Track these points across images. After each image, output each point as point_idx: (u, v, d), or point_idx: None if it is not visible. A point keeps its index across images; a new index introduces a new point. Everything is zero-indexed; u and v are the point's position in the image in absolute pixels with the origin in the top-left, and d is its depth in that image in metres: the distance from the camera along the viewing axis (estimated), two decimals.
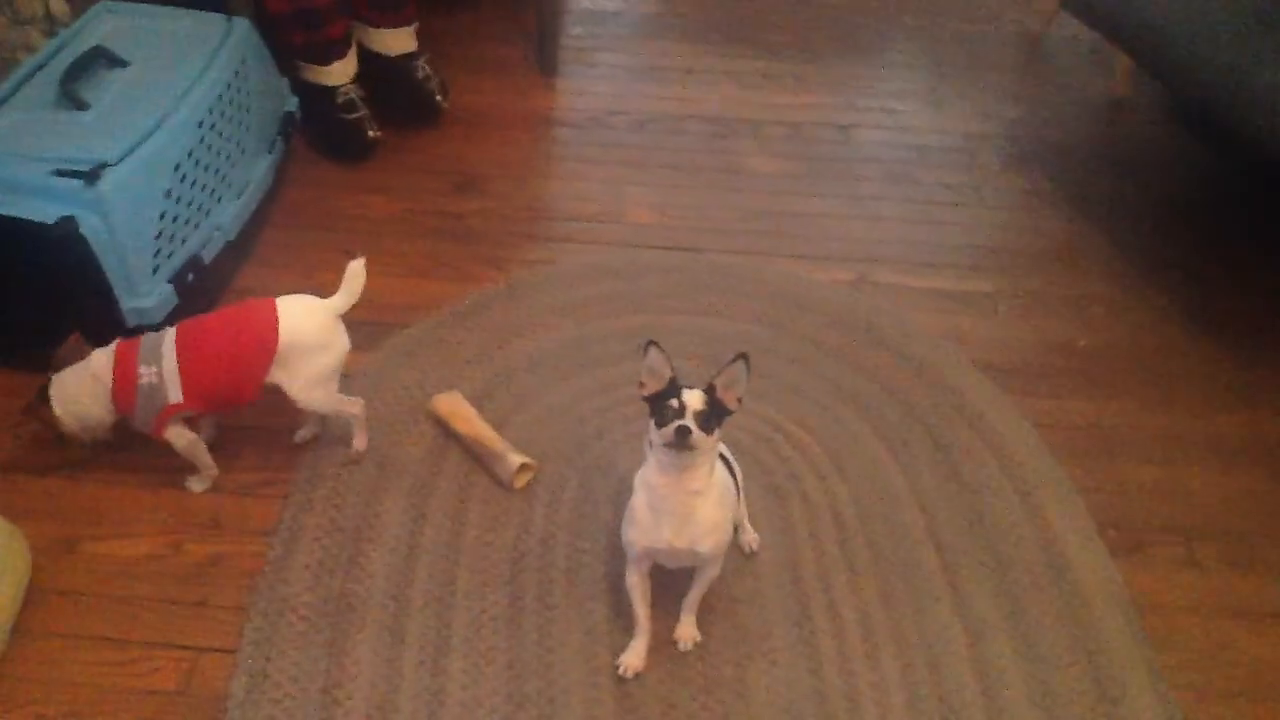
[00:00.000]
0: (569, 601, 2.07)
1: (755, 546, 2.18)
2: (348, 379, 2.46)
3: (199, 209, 2.54)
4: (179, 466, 2.24)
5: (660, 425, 1.71)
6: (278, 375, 2.12)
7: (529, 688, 1.92)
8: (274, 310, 2.10)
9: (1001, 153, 3.44)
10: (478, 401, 2.44)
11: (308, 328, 2.13)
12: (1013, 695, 1.96)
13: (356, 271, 2.16)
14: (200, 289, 2.53)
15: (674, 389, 1.73)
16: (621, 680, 1.94)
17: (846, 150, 3.46)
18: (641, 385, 1.78)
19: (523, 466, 2.28)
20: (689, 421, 1.69)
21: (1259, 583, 2.18)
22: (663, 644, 2.00)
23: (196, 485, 2.25)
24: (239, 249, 2.75)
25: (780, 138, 3.49)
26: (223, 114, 2.61)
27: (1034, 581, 2.16)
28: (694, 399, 1.72)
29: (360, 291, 2.17)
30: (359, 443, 2.32)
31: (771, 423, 2.46)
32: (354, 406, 2.29)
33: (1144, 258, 3.01)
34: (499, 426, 2.38)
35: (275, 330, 2.08)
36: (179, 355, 2.07)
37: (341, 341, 2.18)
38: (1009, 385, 2.57)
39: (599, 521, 2.21)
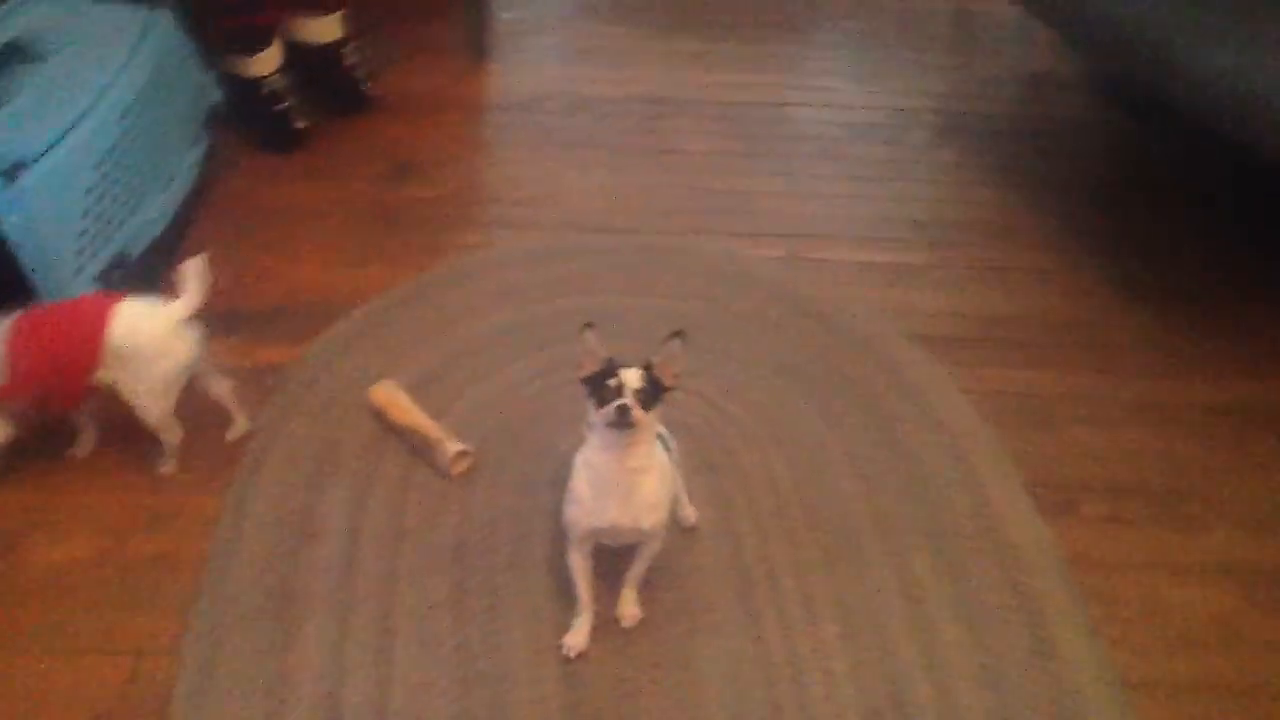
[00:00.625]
0: (513, 585, 2.08)
1: (694, 521, 2.21)
2: (279, 370, 2.46)
3: (124, 204, 2.51)
4: (121, 465, 2.23)
5: (600, 405, 1.73)
6: (113, 377, 2.09)
7: (476, 670, 1.93)
8: (108, 311, 2.07)
9: (930, 127, 3.49)
10: (416, 389, 2.44)
11: (143, 332, 2.08)
12: (950, 654, 2.00)
13: (196, 271, 2.10)
14: (129, 285, 2.49)
15: (611, 369, 1.75)
16: (568, 660, 1.96)
17: (781, 128, 3.50)
18: (579, 367, 1.80)
19: (460, 453, 2.28)
20: (628, 400, 1.71)
21: (1185, 538, 2.25)
22: (607, 621, 2.02)
23: None
24: (170, 244, 2.72)
25: (715, 117, 3.52)
26: (145, 107, 2.58)
27: (970, 544, 2.20)
28: (632, 378, 1.74)
29: (204, 292, 2.11)
30: (239, 424, 2.33)
31: (708, 399, 2.48)
32: (174, 437, 2.23)
33: (1072, 227, 3.07)
34: (438, 414, 2.38)
35: (103, 331, 2.05)
36: (10, 342, 2.04)
37: (184, 349, 2.13)
38: (942, 354, 2.62)
39: (540, 504, 2.22)
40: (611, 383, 1.73)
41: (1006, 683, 1.96)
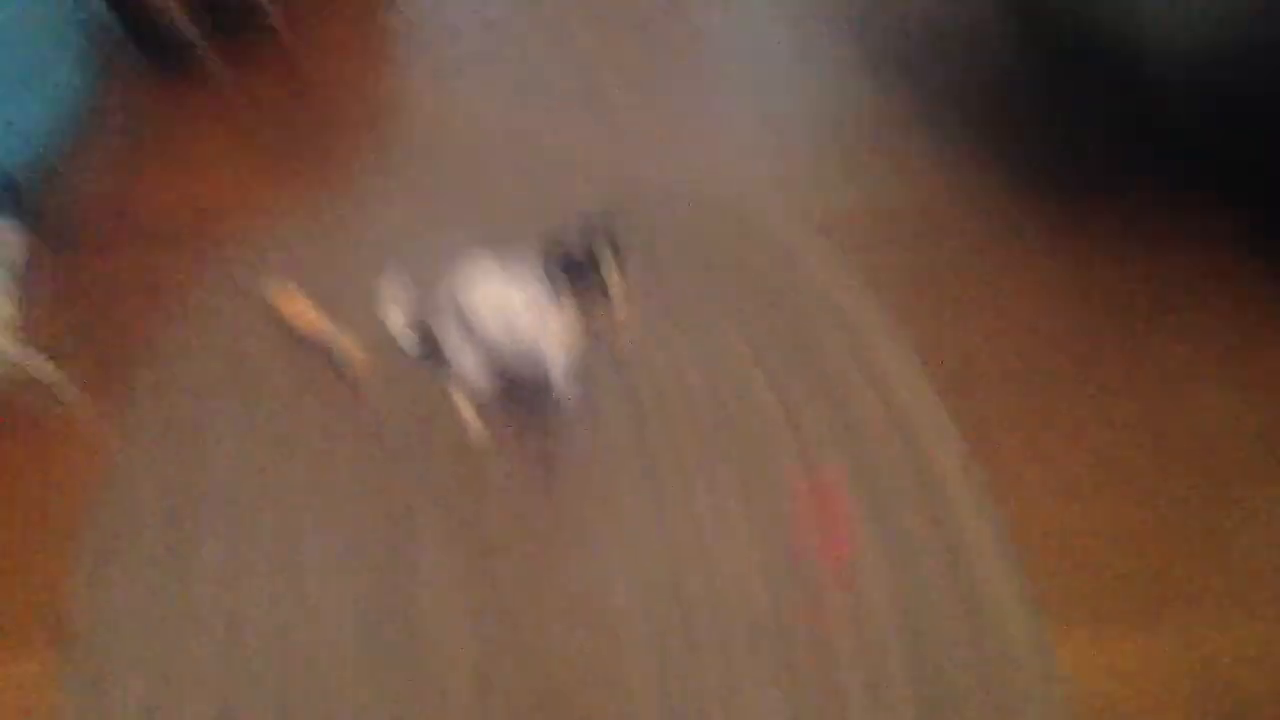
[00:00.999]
0: (418, 475, 2.07)
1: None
2: (177, 286, 2.40)
3: None
4: None
5: None
6: None
7: (383, 565, 1.93)
8: None
9: (835, 26, 3.47)
10: (320, 300, 2.40)
11: None
12: (855, 524, 2.04)
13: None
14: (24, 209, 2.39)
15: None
16: (478, 544, 1.95)
17: (700, 57, 3.45)
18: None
19: (364, 358, 2.25)
20: None
21: (1065, 408, 2.31)
22: (517, 507, 2.02)
23: None
24: (58, 162, 2.62)
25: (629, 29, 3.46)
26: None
27: (872, 429, 2.23)
28: None
29: None
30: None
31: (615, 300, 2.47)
32: None
33: (968, 120, 3.08)
34: (342, 323, 2.34)
35: None
36: None
37: None
38: (846, 247, 2.63)
39: (443, 403, 2.20)
40: None
41: (911, 556, 2.01)
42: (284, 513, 2.00)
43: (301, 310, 2.35)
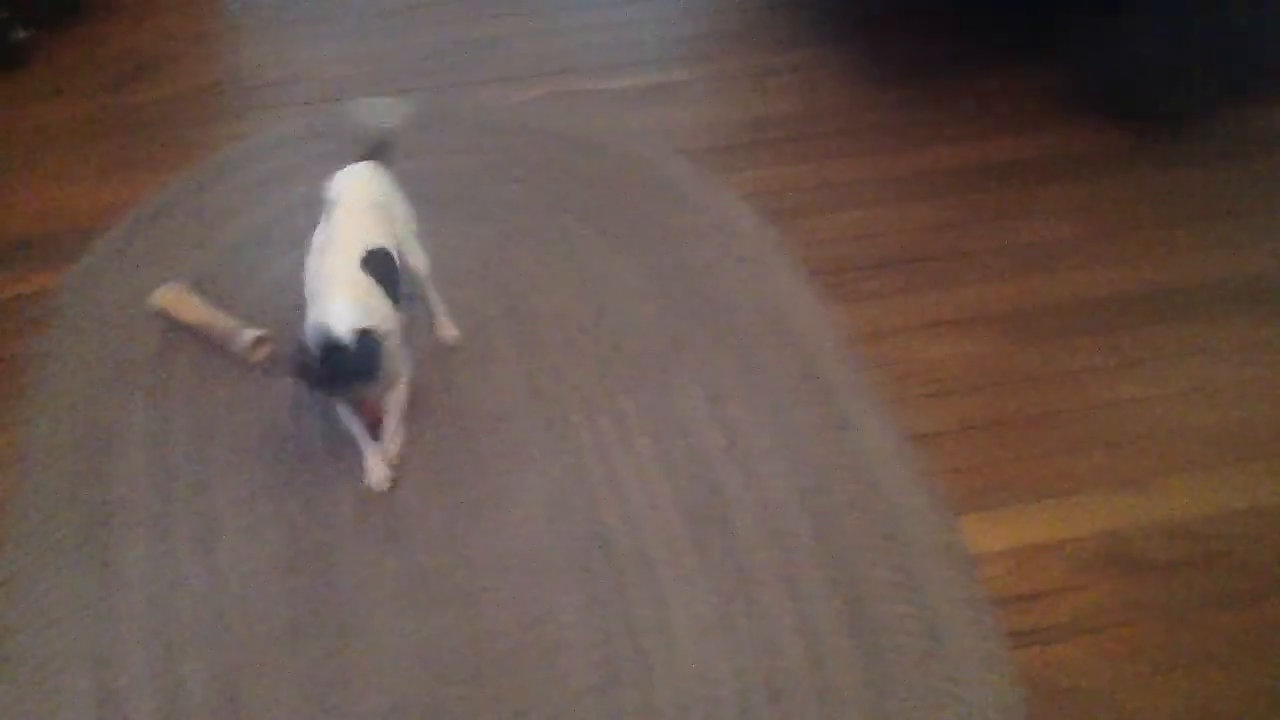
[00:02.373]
0: (330, 456, 2.11)
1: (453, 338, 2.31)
2: (45, 297, 2.37)
3: None
4: None
5: None
6: None
7: (304, 545, 1.97)
8: None
9: None
10: (202, 285, 2.39)
11: None
12: (756, 443, 2.13)
13: None
14: None
15: None
16: (396, 515, 2.01)
17: None
18: None
19: (258, 340, 2.26)
20: None
21: (944, 295, 2.43)
22: (429, 473, 2.08)
23: None
24: None
25: None
26: None
27: (760, 339, 2.32)
28: None
29: None
30: None
31: (496, 245, 2.51)
32: None
33: (814, 23, 3.15)
34: (229, 306, 2.34)
35: None
36: None
37: None
38: (712, 163, 2.70)
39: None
40: None
41: (809, 458, 2.11)
42: (202, 507, 2.03)
43: (186, 301, 2.34)
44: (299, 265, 2.42)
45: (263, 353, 2.28)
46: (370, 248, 1.99)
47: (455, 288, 2.37)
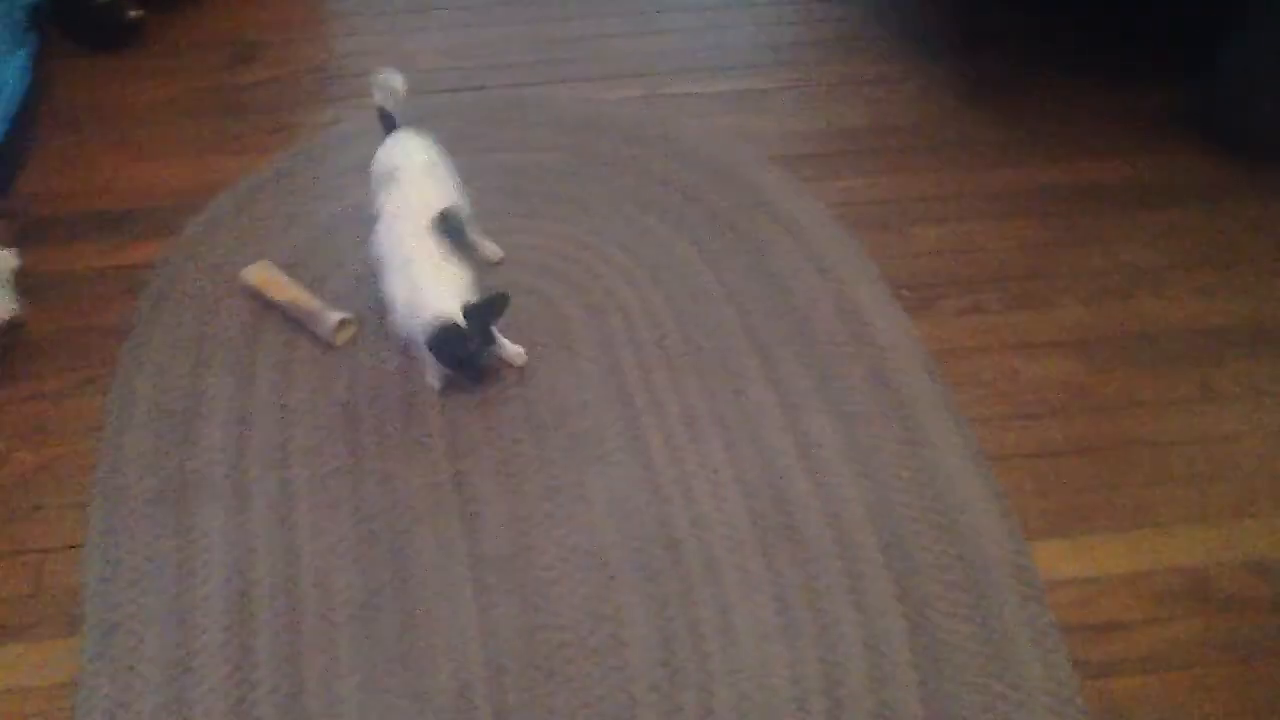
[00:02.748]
0: (406, 441, 2.14)
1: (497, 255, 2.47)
2: (146, 268, 2.44)
3: None
4: None
5: None
6: None
7: (378, 527, 2.00)
8: None
9: None
10: (290, 268, 2.44)
11: None
12: (829, 453, 2.12)
13: None
14: None
15: None
16: (467, 502, 2.03)
17: None
18: None
19: (342, 322, 2.30)
20: None
21: (1034, 316, 2.39)
22: (502, 463, 2.10)
23: None
24: (10, 157, 2.63)
25: None
26: None
27: (839, 349, 2.31)
28: None
29: None
30: None
31: (580, 243, 2.53)
32: None
33: (913, 35, 3.13)
34: (315, 288, 2.39)
35: None
36: None
37: None
38: (800, 173, 2.69)
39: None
40: None
41: (881, 471, 2.09)
42: (279, 482, 2.07)
43: (275, 279, 2.39)
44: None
45: (346, 335, 2.32)
46: (439, 208, 2.16)
47: (535, 282, 2.40)
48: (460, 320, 2.05)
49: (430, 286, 2.08)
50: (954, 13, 3.22)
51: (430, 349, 2.09)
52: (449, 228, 2.16)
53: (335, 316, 2.29)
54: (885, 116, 2.87)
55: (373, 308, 2.35)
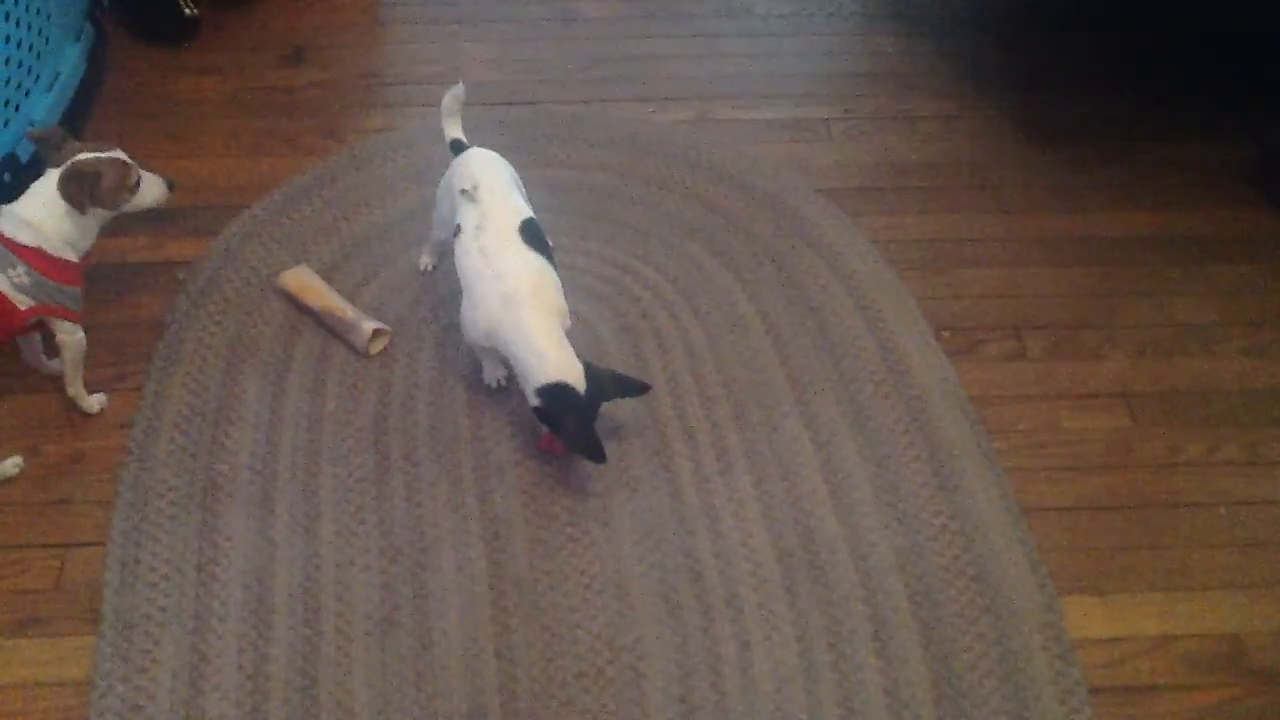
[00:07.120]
0: (434, 456, 2.13)
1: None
2: (187, 264, 2.45)
3: (5, 105, 2.43)
4: (25, 370, 2.21)
5: None
6: None
7: (401, 542, 1.99)
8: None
9: None
10: (328, 274, 2.44)
11: None
12: (860, 494, 2.09)
13: None
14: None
15: None
16: (490, 521, 2.01)
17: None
18: None
19: (376, 332, 2.29)
20: None
21: (1079, 367, 2.34)
22: (528, 484, 2.08)
23: None
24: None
25: None
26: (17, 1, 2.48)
27: (876, 389, 2.27)
28: None
29: None
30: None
31: (620, 264, 2.51)
32: None
33: (973, 73, 3.08)
34: (351, 296, 2.39)
35: None
36: None
37: None
38: (848, 206, 2.66)
39: (457, 378, 2.26)
40: None
41: (913, 516, 2.06)
42: (305, 490, 2.06)
43: (311, 285, 2.39)
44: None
45: (380, 345, 2.31)
46: (523, 218, 2.11)
47: (571, 301, 2.37)
48: (579, 383, 1.94)
49: (538, 345, 1.97)
50: (1019, 54, 3.17)
51: (543, 418, 1.99)
52: (534, 237, 2.09)
53: (370, 325, 2.29)
54: (939, 154, 2.83)
55: (404, 320, 2.34)
